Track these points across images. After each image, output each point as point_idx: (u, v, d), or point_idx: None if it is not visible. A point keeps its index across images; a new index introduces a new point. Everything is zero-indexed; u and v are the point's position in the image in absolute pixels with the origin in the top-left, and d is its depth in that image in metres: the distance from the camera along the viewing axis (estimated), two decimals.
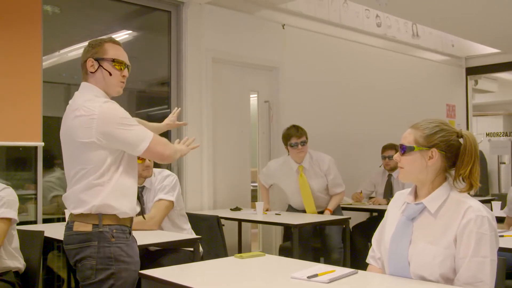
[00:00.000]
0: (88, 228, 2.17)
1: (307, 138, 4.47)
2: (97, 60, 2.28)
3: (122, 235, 2.22)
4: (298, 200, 4.60)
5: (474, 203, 1.85)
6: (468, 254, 1.77)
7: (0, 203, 2.76)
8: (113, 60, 2.29)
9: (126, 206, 2.24)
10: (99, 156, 2.17)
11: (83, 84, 2.31)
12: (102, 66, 2.28)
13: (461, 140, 1.93)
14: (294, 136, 4.42)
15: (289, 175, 4.57)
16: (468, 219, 1.81)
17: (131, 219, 2.30)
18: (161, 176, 3.59)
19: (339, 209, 4.75)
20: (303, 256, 4.25)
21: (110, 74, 2.28)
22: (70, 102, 2.30)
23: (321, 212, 4.59)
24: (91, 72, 2.28)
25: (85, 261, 2.17)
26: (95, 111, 2.15)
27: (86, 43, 2.36)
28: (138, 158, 3.40)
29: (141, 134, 2.21)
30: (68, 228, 2.25)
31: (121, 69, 2.31)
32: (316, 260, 4.42)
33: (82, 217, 2.19)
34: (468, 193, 1.92)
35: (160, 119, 4.84)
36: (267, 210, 4.67)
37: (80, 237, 2.19)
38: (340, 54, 6.14)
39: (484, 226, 1.79)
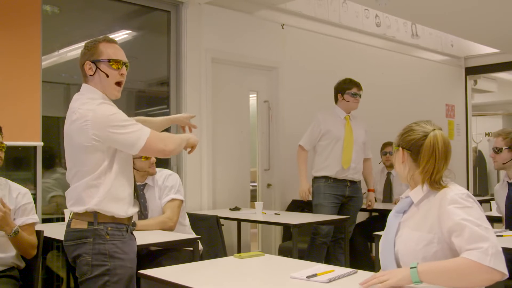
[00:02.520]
0: (83, 225, 2.23)
1: None
2: (93, 62, 2.28)
3: (117, 233, 2.26)
4: (339, 151, 4.59)
5: (453, 186, 1.91)
6: (465, 225, 1.75)
7: (30, 207, 2.94)
8: (109, 60, 2.29)
9: (121, 210, 2.27)
10: (96, 159, 2.21)
11: (83, 86, 2.33)
12: (99, 68, 2.28)
13: None
14: (356, 87, 4.69)
15: (336, 122, 4.67)
16: (449, 200, 1.83)
17: (129, 218, 2.33)
18: (163, 175, 3.62)
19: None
20: (315, 258, 4.30)
21: (107, 76, 2.29)
22: (70, 104, 2.32)
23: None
24: (90, 75, 2.29)
25: (81, 257, 2.22)
26: (88, 114, 2.18)
27: (85, 43, 2.36)
28: (142, 157, 3.46)
29: (135, 134, 2.20)
30: (68, 225, 2.32)
31: (118, 68, 2.30)
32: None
33: (79, 215, 2.25)
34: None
35: None
36: (309, 189, 4.64)
37: (76, 234, 2.25)
38: (340, 54, 6.14)
39: (468, 199, 1.83)
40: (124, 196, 2.29)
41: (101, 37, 2.36)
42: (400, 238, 1.95)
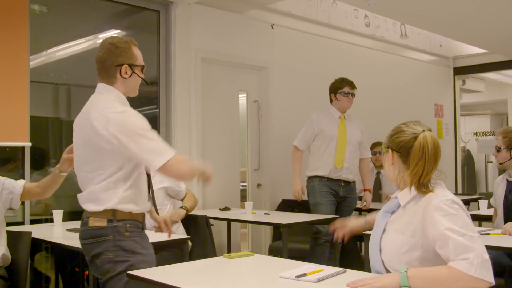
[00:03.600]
0: (103, 223, 2.23)
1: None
2: (130, 66, 2.32)
3: (136, 229, 2.29)
4: (332, 151, 4.59)
5: (439, 191, 1.89)
6: (449, 236, 1.74)
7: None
8: (143, 67, 2.38)
9: (139, 207, 2.32)
10: (118, 161, 2.23)
11: (106, 87, 2.32)
12: (135, 72, 2.33)
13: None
14: (348, 85, 4.69)
15: (330, 122, 4.67)
16: (434, 207, 1.82)
17: (143, 214, 2.37)
18: None
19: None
20: (319, 258, 4.29)
21: (147, 83, 2.45)
22: (88, 104, 2.33)
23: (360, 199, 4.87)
24: (124, 78, 2.31)
25: (103, 255, 2.23)
26: (113, 118, 2.19)
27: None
28: None
29: (159, 148, 2.19)
30: (83, 223, 2.31)
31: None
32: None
33: (96, 213, 2.25)
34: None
35: (149, 119, 4.86)
36: (302, 189, 4.64)
37: (95, 232, 2.25)
38: (329, 54, 6.15)
39: (453, 206, 1.81)
40: (143, 197, 2.35)
41: (128, 38, 2.37)
42: (385, 240, 1.96)
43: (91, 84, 4.89)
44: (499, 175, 3.67)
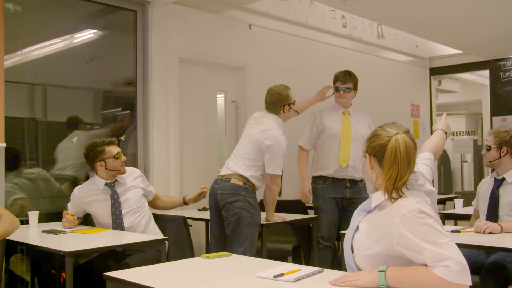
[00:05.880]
0: (240, 183, 3.67)
1: (354, 87, 4.59)
2: (288, 105, 3.87)
3: (254, 195, 3.73)
4: (336, 149, 4.41)
5: (409, 199, 1.85)
6: (423, 247, 1.74)
7: None
8: (294, 102, 3.92)
9: (260, 184, 3.81)
10: (262, 157, 3.73)
11: (273, 116, 3.87)
12: (292, 108, 3.89)
13: None
14: (339, 80, 4.55)
15: (334, 118, 4.51)
16: (401, 217, 1.81)
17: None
18: (132, 170, 3.82)
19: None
20: (319, 263, 4.19)
21: (298, 114, 4.00)
22: (258, 118, 3.95)
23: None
24: (284, 112, 3.87)
25: (235, 202, 3.61)
26: (274, 137, 3.71)
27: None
28: (115, 156, 3.51)
29: (279, 165, 3.73)
30: (226, 180, 3.69)
31: None
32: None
33: (239, 176, 3.69)
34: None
35: (126, 119, 4.83)
36: (309, 191, 4.45)
37: (234, 186, 3.65)
38: (307, 55, 6.18)
39: (420, 215, 1.79)
40: (263, 180, 3.85)
41: (285, 85, 3.97)
42: (356, 239, 1.97)
43: (67, 84, 4.86)
44: (474, 174, 3.73)
